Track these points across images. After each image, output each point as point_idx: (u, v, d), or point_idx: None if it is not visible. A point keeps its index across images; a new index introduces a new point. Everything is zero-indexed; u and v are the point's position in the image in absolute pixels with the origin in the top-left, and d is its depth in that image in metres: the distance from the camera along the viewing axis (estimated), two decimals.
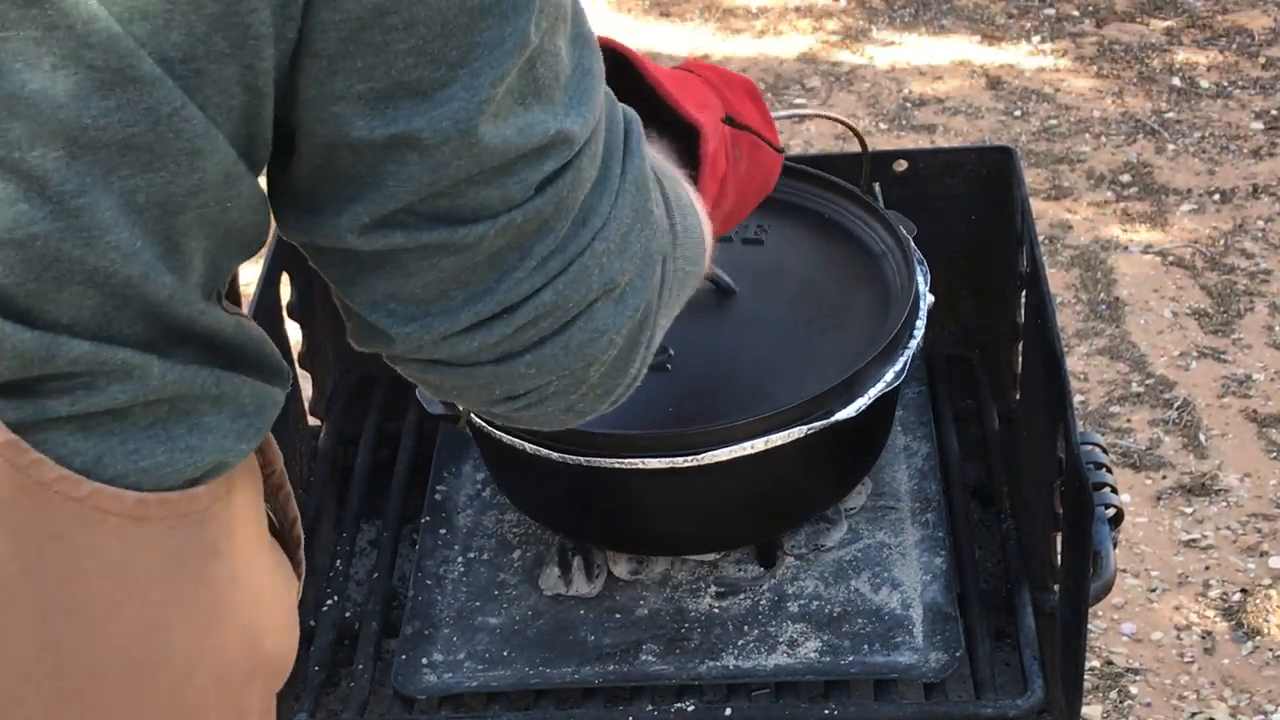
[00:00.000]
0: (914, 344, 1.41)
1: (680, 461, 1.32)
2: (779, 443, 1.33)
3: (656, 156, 0.97)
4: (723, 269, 1.48)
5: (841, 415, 1.34)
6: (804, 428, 1.33)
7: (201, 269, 0.74)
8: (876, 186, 1.59)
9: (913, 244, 1.51)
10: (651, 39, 4.09)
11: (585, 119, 0.79)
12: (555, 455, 1.34)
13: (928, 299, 1.46)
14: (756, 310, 1.48)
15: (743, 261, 1.52)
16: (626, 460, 1.33)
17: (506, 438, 1.36)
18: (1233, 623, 2.47)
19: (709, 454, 1.32)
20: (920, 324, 1.43)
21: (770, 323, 1.49)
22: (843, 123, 1.58)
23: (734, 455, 1.32)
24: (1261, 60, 3.87)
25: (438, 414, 1.40)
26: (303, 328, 1.72)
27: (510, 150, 0.76)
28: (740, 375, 1.45)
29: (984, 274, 1.73)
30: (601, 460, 1.33)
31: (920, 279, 1.46)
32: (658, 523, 1.46)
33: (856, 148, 1.60)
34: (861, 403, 1.35)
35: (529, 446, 1.34)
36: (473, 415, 1.39)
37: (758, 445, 1.32)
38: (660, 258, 0.86)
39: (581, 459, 1.33)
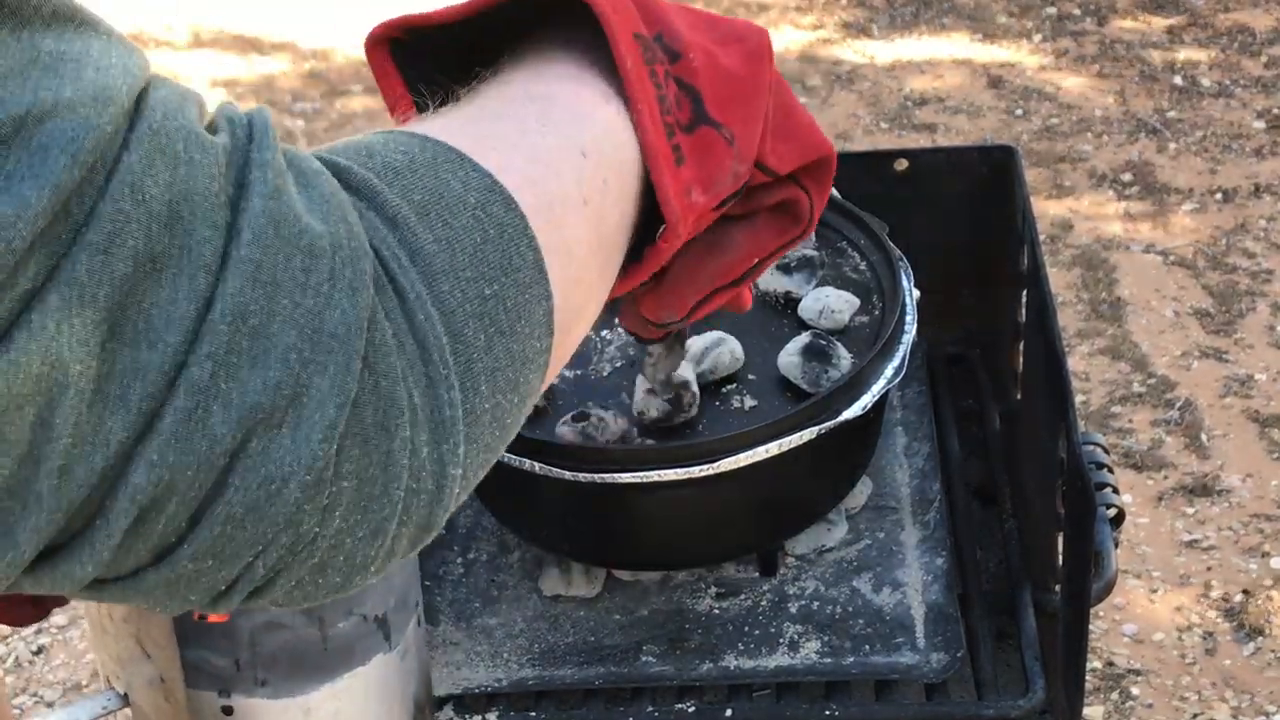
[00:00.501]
0: (908, 338, 1.41)
1: (696, 471, 1.32)
2: (791, 445, 1.32)
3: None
4: None
5: (849, 414, 1.34)
6: (815, 429, 1.33)
7: None
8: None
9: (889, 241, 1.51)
10: None
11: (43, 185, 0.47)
12: (567, 475, 1.32)
13: (914, 293, 1.45)
14: (737, 319, 1.48)
15: None
16: (641, 473, 1.32)
17: (510, 460, 1.35)
18: (1234, 623, 2.46)
19: (725, 461, 1.31)
20: (910, 318, 1.43)
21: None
22: None
23: (750, 461, 1.32)
24: (1263, 59, 3.87)
25: None
26: None
27: None
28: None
29: (985, 274, 1.72)
30: (615, 476, 1.32)
31: (903, 273, 1.46)
32: (668, 537, 1.45)
33: (852, 148, 1.60)
34: (866, 400, 1.35)
35: (538, 467, 1.33)
36: None
37: (771, 449, 1.32)
38: (362, 326, 0.54)
39: (594, 476, 1.32)
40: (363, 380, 0.54)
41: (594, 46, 0.72)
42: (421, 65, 0.76)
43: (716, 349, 1.41)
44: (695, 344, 1.40)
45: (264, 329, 0.51)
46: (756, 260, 0.86)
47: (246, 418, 0.51)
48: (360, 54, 4.12)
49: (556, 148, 0.68)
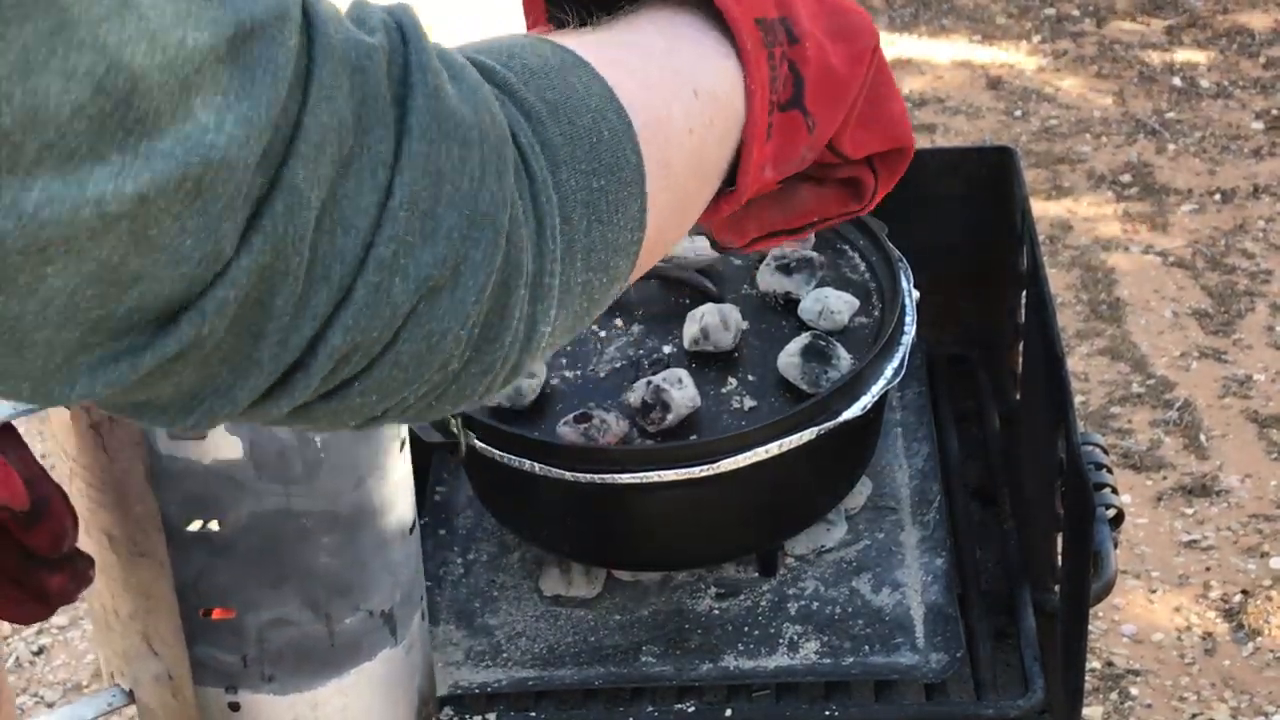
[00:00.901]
0: (907, 339, 1.41)
1: (696, 471, 1.32)
2: (791, 445, 1.33)
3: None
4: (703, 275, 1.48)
5: (848, 414, 1.34)
6: (815, 429, 1.33)
7: None
8: None
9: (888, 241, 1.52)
10: None
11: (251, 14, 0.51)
12: (567, 475, 1.33)
13: (913, 294, 1.46)
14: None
15: (714, 269, 1.52)
16: (641, 473, 1.32)
17: (511, 461, 1.35)
18: (1233, 624, 2.47)
19: (725, 461, 1.32)
20: (910, 318, 1.43)
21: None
22: None
23: (750, 461, 1.32)
24: (1262, 60, 3.87)
25: (434, 442, 1.39)
26: None
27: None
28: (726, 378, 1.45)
29: (984, 274, 1.73)
30: (615, 476, 1.32)
31: (903, 274, 1.46)
32: (666, 538, 1.45)
33: None
34: (866, 401, 1.35)
35: (538, 467, 1.34)
36: (475, 444, 1.37)
37: (771, 449, 1.32)
38: (507, 204, 0.62)
39: (594, 476, 1.32)
40: (504, 250, 0.63)
41: (713, 22, 0.79)
42: None
43: (708, 316, 1.41)
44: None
45: (432, 212, 0.59)
46: (818, 219, 0.94)
47: (420, 286, 0.59)
48: None
49: (672, 81, 0.75)
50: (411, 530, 1.20)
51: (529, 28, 0.86)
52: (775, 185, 0.85)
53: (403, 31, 0.60)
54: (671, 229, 0.76)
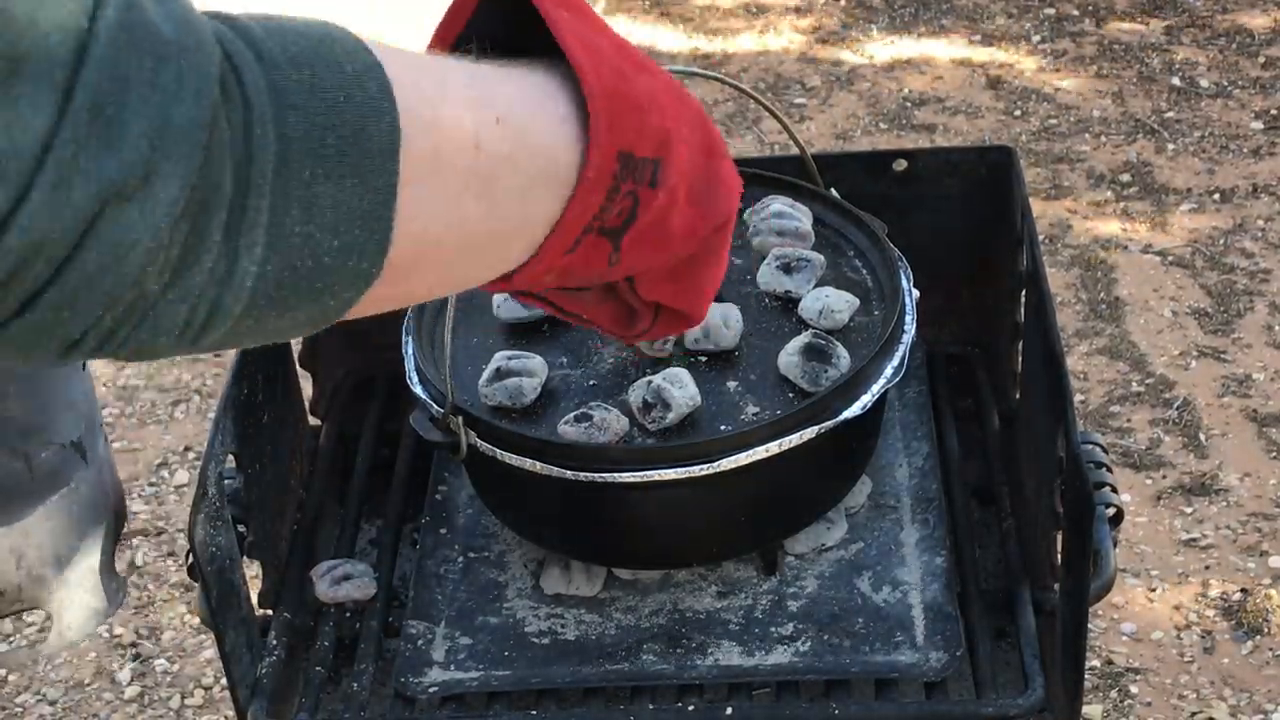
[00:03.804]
0: (907, 338, 1.41)
1: (696, 471, 1.32)
2: (791, 445, 1.33)
3: None
4: None
5: (849, 414, 1.35)
6: (815, 428, 1.33)
7: None
8: (832, 191, 1.58)
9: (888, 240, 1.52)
10: (651, 39, 4.09)
11: None
12: (568, 474, 1.33)
13: (913, 293, 1.46)
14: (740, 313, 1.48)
15: None
16: (641, 473, 1.33)
17: (511, 459, 1.35)
18: (1233, 622, 2.47)
19: (725, 460, 1.32)
20: (910, 318, 1.43)
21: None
22: (756, 98, 1.58)
23: (750, 460, 1.32)
24: (1261, 60, 3.87)
25: (434, 440, 1.39)
26: None
27: None
28: (725, 379, 1.45)
29: (984, 274, 1.73)
30: (615, 476, 1.33)
31: (902, 274, 1.47)
32: (667, 536, 1.45)
33: (852, 148, 1.60)
34: (866, 400, 1.36)
35: (539, 467, 1.34)
36: (476, 443, 1.37)
37: (771, 449, 1.32)
38: (205, 125, 0.61)
39: (595, 476, 1.33)
40: (200, 167, 0.62)
41: (577, 109, 0.77)
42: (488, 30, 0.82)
43: (708, 316, 1.41)
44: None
45: (117, 118, 0.59)
46: (586, 317, 0.94)
47: (104, 190, 0.59)
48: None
49: (475, 98, 0.73)
50: (84, 367, 1.31)
51: (430, 42, 0.85)
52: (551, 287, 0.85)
53: None
54: (450, 243, 0.74)
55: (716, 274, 0.92)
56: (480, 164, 0.72)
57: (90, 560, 1.37)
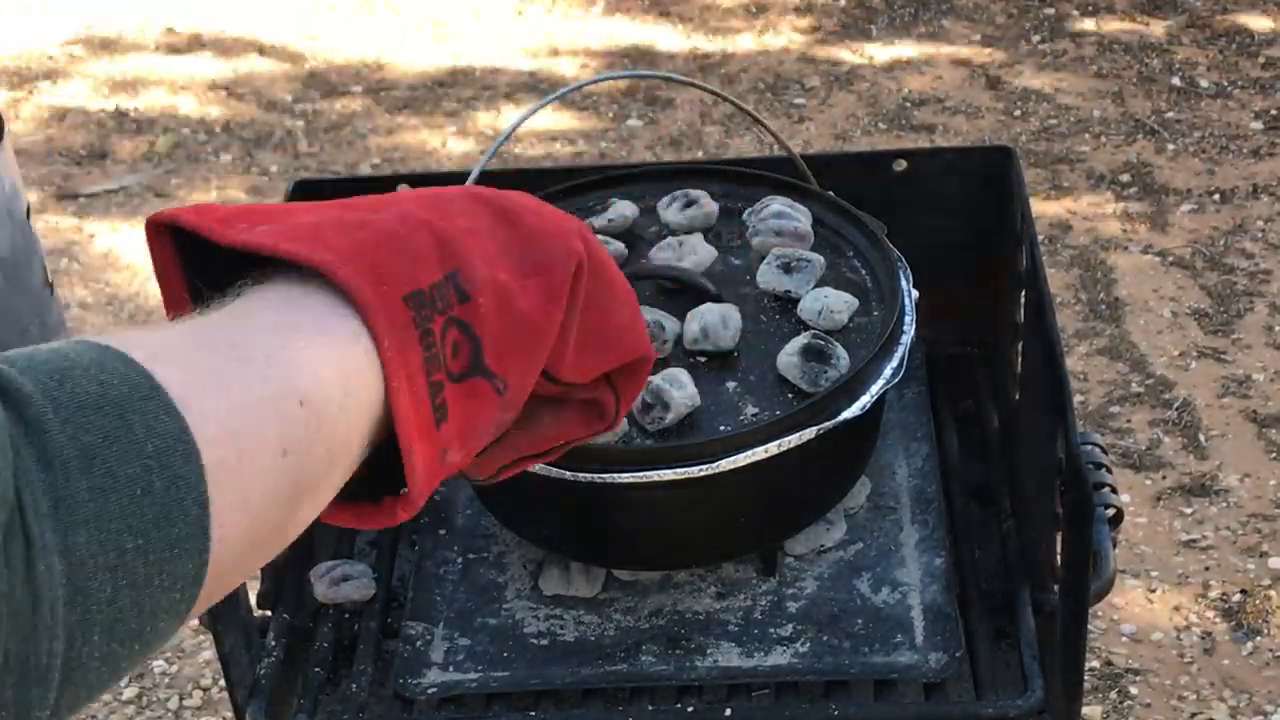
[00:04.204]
0: (907, 338, 1.41)
1: (696, 471, 1.32)
2: (791, 445, 1.33)
3: None
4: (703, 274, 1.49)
5: (848, 414, 1.34)
6: (814, 429, 1.33)
7: None
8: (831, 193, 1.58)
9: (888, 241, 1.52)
10: (651, 39, 4.09)
11: None
12: (567, 474, 1.33)
13: (912, 293, 1.46)
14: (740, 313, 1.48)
15: (713, 268, 1.52)
16: (641, 473, 1.32)
17: None
18: (1232, 623, 2.47)
19: (725, 461, 1.32)
20: (909, 318, 1.43)
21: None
22: (739, 106, 1.58)
23: (750, 461, 1.32)
24: (1261, 60, 3.87)
25: None
26: None
27: None
28: (724, 379, 1.45)
29: (984, 274, 1.73)
30: (615, 476, 1.32)
31: (902, 274, 1.47)
32: (666, 537, 1.45)
33: (851, 148, 1.60)
34: (865, 400, 1.36)
35: (538, 467, 1.34)
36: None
37: (771, 449, 1.32)
38: None
39: (595, 476, 1.32)
40: None
41: (343, 301, 0.70)
42: (200, 256, 0.74)
43: (708, 316, 1.41)
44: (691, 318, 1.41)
45: None
46: (564, 442, 0.88)
47: None
48: (360, 54, 4.13)
49: (274, 395, 0.66)
50: None
51: (165, 304, 0.75)
52: (471, 462, 0.77)
53: None
54: (255, 558, 0.67)
55: (624, 305, 0.83)
56: (291, 463, 0.66)
57: None
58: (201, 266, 0.74)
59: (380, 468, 0.72)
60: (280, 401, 0.66)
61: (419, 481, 0.71)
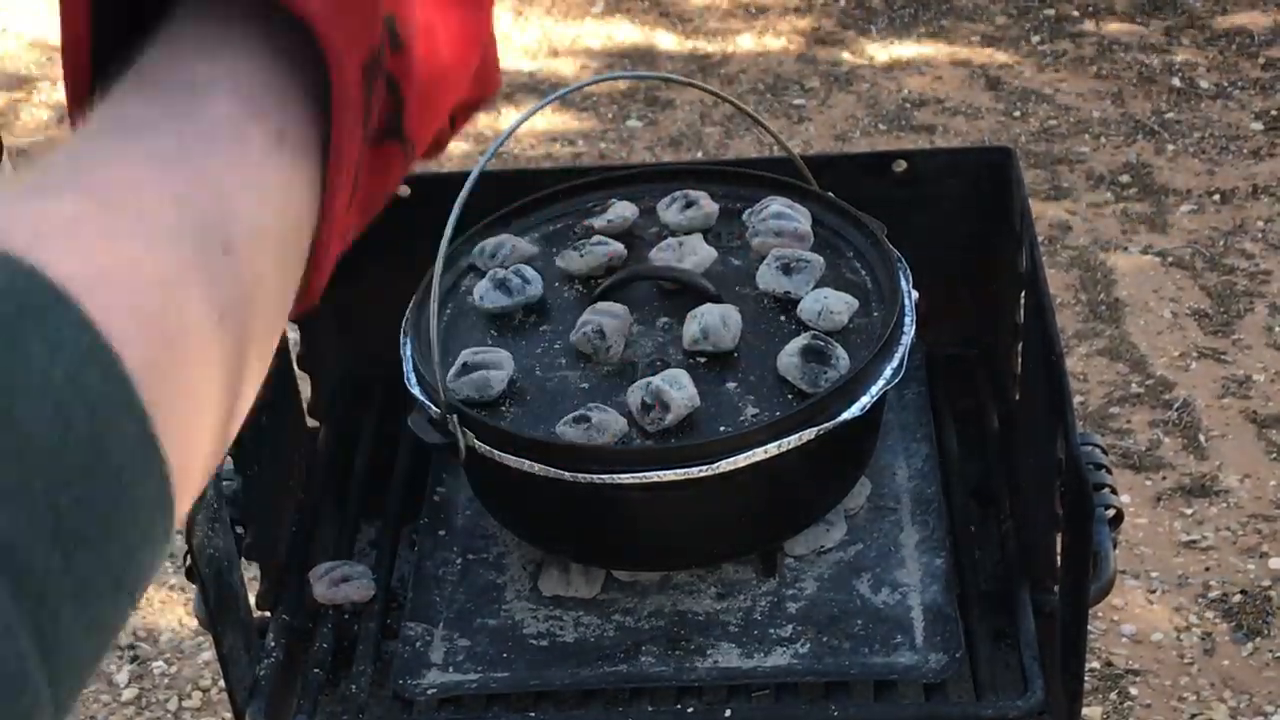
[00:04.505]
0: (906, 339, 1.41)
1: (696, 471, 1.32)
2: (791, 445, 1.33)
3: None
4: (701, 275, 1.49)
5: (847, 415, 1.34)
6: (814, 430, 1.33)
7: None
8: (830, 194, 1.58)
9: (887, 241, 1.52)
10: (650, 39, 4.09)
11: None
12: (567, 475, 1.33)
13: (912, 294, 1.46)
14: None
15: (713, 269, 1.52)
16: (641, 473, 1.32)
17: (509, 460, 1.35)
18: (1233, 624, 2.47)
19: (725, 461, 1.32)
20: (909, 318, 1.43)
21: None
22: (738, 106, 1.58)
23: (750, 461, 1.32)
24: (1261, 60, 3.87)
25: (434, 443, 1.39)
26: (301, 329, 1.72)
27: None
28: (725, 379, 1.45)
29: (984, 275, 1.73)
30: (615, 476, 1.32)
31: (902, 275, 1.47)
32: (666, 538, 1.45)
33: (851, 149, 1.60)
34: (865, 401, 1.36)
35: (538, 467, 1.34)
36: (474, 445, 1.37)
37: (771, 450, 1.32)
38: None
39: (594, 476, 1.32)
40: None
41: (294, 49, 0.55)
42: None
43: (708, 316, 1.41)
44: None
45: None
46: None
47: None
48: None
49: (193, 253, 0.52)
50: None
51: (69, 98, 0.58)
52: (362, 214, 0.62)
53: None
54: (220, 444, 0.55)
55: (493, 36, 0.68)
56: (233, 324, 0.53)
57: None
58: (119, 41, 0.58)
59: None
60: (204, 259, 0.52)
61: (322, 276, 0.59)
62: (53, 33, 4.14)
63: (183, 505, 0.51)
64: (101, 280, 0.48)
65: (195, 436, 0.52)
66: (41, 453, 0.45)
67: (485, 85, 0.69)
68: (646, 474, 1.32)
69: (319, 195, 0.57)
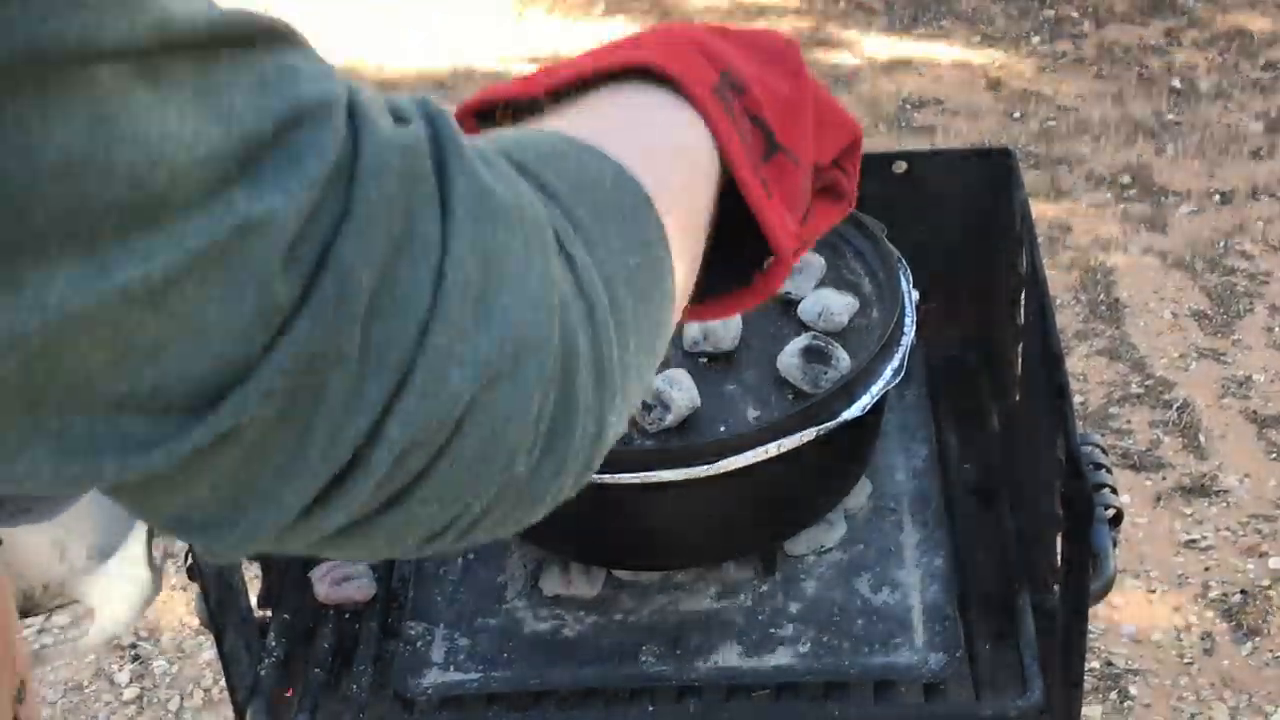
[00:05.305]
0: (907, 339, 1.41)
1: (696, 471, 1.32)
2: (791, 446, 1.33)
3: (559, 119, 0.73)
4: None
5: (848, 415, 1.35)
6: (815, 430, 1.33)
7: None
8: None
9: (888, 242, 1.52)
10: None
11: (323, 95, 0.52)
12: None
13: (913, 295, 1.46)
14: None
15: None
16: (641, 474, 1.33)
17: None
18: (1232, 624, 2.47)
19: (725, 461, 1.32)
20: (909, 319, 1.43)
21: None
22: None
23: (750, 461, 1.32)
24: (1261, 61, 3.87)
25: None
26: None
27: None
28: (728, 380, 1.45)
29: (984, 275, 1.73)
30: (615, 476, 1.33)
31: (902, 275, 1.47)
32: (666, 538, 1.45)
33: None
34: (865, 401, 1.36)
35: None
36: None
37: (771, 450, 1.32)
38: (555, 285, 0.59)
39: (594, 476, 1.32)
40: (560, 331, 0.59)
41: (670, 92, 0.77)
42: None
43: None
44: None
45: (484, 295, 0.56)
46: (822, 232, 0.94)
47: (481, 373, 0.55)
48: (360, 55, 4.12)
49: (659, 145, 0.73)
50: None
51: None
52: (804, 234, 0.84)
53: (434, 122, 0.58)
54: (683, 300, 0.73)
55: (825, 90, 0.91)
56: (691, 208, 0.73)
57: (130, 551, 1.38)
58: None
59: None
60: (665, 150, 0.73)
61: (782, 241, 0.78)
62: None
63: (675, 314, 0.71)
64: (620, 148, 0.67)
65: (679, 272, 0.70)
66: (614, 224, 0.64)
67: (847, 128, 0.89)
68: (647, 474, 1.32)
69: (719, 168, 0.76)
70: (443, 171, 0.56)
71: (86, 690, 2.53)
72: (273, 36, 0.51)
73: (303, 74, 0.51)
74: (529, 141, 0.66)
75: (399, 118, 0.57)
